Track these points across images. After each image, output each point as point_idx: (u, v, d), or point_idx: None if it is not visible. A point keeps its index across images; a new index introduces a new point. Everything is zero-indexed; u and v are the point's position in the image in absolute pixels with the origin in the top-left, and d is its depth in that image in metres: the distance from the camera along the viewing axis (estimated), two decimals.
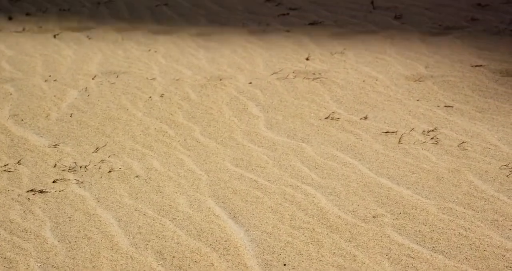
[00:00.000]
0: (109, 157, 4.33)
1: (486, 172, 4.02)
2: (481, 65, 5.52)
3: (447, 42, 6.06)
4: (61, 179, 4.05)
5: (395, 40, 6.18)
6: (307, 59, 5.87)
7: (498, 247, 3.31)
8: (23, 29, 6.90)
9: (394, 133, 4.55)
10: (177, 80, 5.54)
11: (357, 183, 3.96)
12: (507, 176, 3.96)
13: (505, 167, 4.06)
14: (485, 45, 5.94)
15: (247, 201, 3.80)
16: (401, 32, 6.38)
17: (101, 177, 4.08)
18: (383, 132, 4.57)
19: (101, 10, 7.51)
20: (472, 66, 5.52)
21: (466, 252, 3.29)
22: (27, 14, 7.41)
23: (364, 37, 6.32)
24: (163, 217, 3.65)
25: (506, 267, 3.16)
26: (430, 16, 6.77)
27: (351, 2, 7.40)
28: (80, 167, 4.20)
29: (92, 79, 5.60)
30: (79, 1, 7.87)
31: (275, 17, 7.04)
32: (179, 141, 4.56)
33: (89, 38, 6.59)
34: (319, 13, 7.07)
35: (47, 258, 3.31)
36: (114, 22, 7.09)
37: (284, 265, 3.25)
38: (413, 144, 4.40)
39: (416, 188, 3.88)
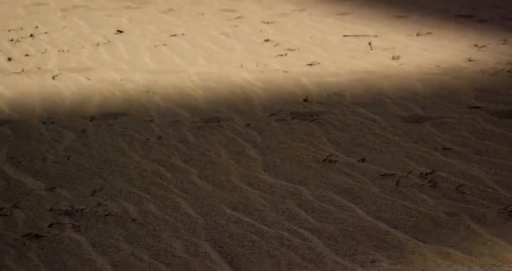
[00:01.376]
0: (105, 200, 4.32)
1: (484, 216, 4.00)
2: (478, 107, 5.53)
3: (444, 83, 6.08)
4: (57, 223, 4.03)
5: (393, 81, 6.20)
6: (305, 100, 5.88)
7: None
8: (22, 70, 6.93)
9: (392, 175, 4.54)
10: (175, 121, 5.54)
11: (355, 227, 3.94)
12: (505, 220, 3.94)
13: (503, 210, 4.04)
14: (482, 86, 5.96)
15: (244, 245, 3.78)
16: (399, 73, 6.41)
17: (97, 221, 4.06)
18: (380, 175, 4.56)
19: (100, 51, 7.54)
20: (469, 108, 5.53)
21: None
22: (27, 55, 7.44)
23: (362, 77, 6.34)
24: (159, 262, 3.63)
25: None
26: (428, 57, 6.80)
27: (349, 42, 7.44)
28: (77, 210, 4.19)
29: (90, 121, 5.60)
30: (78, 42, 7.91)
31: (273, 57, 7.07)
32: (176, 184, 4.54)
33: (88, 79, 6.61)
34: (317, 54, 7.10)
35: None
36: (113, 63, 7.12)
37: None
38: (411, 187, 4.39)
39: (414, 232, 3.86)
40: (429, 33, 7.64)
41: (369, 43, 7.31)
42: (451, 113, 5.46)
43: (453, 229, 3.87)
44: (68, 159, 4.93)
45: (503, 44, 7.07)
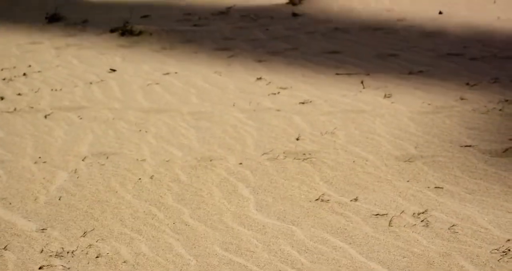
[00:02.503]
0: (97, 241, 4.29)
1: (477, 256, 3.98)
2: (470, 145, 5.54)
3: (436, 122, 6.09)
4: (48, 265, 4.00)
5: (385, 120, 6.22)
6: (297, 139, 5.88)
7: None
8: (15, 109, 6.93)
9: (385, 215, 4.53)
10: (167, 161, 5.54)
11: (347, 268, 3.92)
12: (498, 260, 3.93)
13: (496, 251, 4.03)
14: (474, 124, 5.97)
15: None
16: (391, 111, 6.42)
17: (88, 263, 4.03)
18: (373, 215, 4.55)
19: (93, 89, 7.56)
20: (461, 146, 5.54)
21: None
22: (19, 94, 7.45)
23: (354, 116, 6.35)
24: None
25: None
26: (419, 95, 6.83)
27: (342, 81, 7.46)
28: (67, 252, 4.16)
29: (82, 160, 5.59)
30: (71, 81, 7.93)
31: (266, 96, 7.08)
32: (168, 224, 4.53)
33: (80, 118, 6.61)
34: (309, 92, 7.12)
35: None
36: (106, 101, 7.13)
37: None
38: (404, 227, 4.38)
39: None
40: (421, 71, 7.68)
41: (362, 82, 7.34)
42: (443, 151, 5.47)
43: (446, 270, 3.86)
44: (59, 199, 4.91)
45: (495, 82, 7.10)
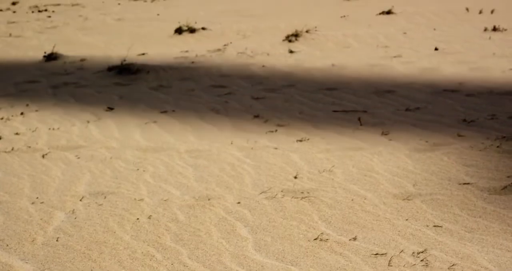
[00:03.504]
0: None
1: None
2: (469, 183, 5.53)
3: (434, 159, 6.09)
4: None
5: (383, 157, 6.21)
6: (295, 177, 5.87)
7: None
8: (12, 149, 6.92)
9: (384, 255, 4.51)
10: (165, 200, 5.52)
11: None
12: None
13: None
14: (472, 162, 5.97)
15: None
16: (389, 148, 6.42)
17: None
18: (372, 254, 4.53)
19: (90, 128, 7.56)
20: (460, 184, 5.53)
21: None
22: (17, 134, 7.45)
23: (352, 154, 6.35)
24: None
25: None
26: (417, 132, 6.83)
27: (339, 118, 7.48)
28: None
29: (80, 200, 5.57)
30: (68, 120, 7.94)
31: (263, 134, 7.09)
32: (166, 265, 4.50)
33: (78, 158, 6.60)
34: (307, 130, 7.12)
35: None
36: (103, 140, 7.12)
37: None
38: (403, 266, 4.35)
39: None
40: (418, 108, 7.70)
41: (359, 119, 7.35)
42: (441, 189, 5.46)
43: None
44: (57, 240, 4.88)
45: (492, 119, 7.12)
